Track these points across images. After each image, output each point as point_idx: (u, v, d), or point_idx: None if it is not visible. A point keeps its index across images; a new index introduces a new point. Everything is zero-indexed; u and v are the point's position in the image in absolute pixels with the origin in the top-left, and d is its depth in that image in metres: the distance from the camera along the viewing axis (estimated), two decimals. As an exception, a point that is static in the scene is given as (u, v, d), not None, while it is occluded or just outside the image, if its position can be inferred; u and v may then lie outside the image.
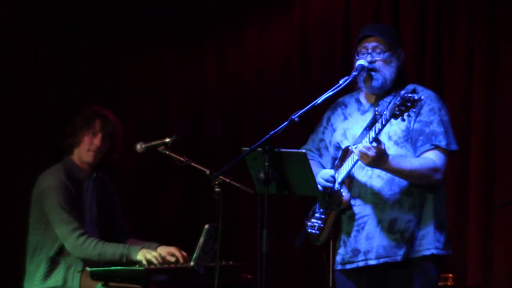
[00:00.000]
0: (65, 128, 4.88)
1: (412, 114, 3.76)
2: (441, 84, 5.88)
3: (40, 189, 4.72)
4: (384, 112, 3.78)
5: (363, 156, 3.79)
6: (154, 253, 4.56)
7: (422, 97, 3.71)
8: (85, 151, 4.78)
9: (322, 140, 4.31)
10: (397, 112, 3.70)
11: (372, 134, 3.82)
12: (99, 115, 4.83)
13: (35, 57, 6.75)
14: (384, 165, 3.85)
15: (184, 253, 4.63)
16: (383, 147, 3.78)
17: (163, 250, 4.65)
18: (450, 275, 5.30)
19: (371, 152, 3.77)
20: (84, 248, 4.60)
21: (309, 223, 4.17)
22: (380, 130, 3.80)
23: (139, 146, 4.74)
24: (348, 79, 4.01)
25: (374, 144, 3.77)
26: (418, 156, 4.00)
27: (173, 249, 4.65)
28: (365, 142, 3.83)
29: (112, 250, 4.59)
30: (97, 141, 4.78)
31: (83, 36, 7.06)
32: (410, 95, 3.66)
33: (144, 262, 4.49)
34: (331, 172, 4.10)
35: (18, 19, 6.65)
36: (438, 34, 5.94)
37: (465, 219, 5.77)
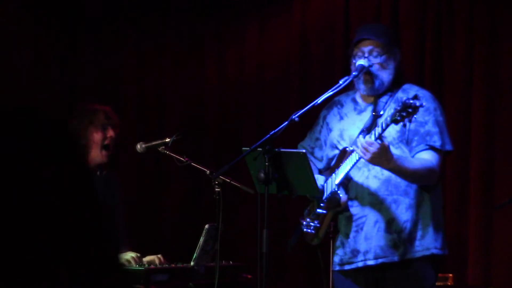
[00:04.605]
0: None
1: (413, 120, 3.73)
2: (441, 84, 5.88)
3: None
4: (381, 113, 3.77)
5: (364, 151, 3.74)
6: (132, 254, 4.51)
7: (424, 104, 3.68)
8: (97, 150, 4.55)
9: (318, 139, 4.29)
10: (398, 118, 3.67)
11: (378, 130, 3.76)
12: (98, 109, 4.62)
13: (35, 57, 6.74)
14: (388, 164, 3.80)
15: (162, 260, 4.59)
16: (386, 143, 3.74)
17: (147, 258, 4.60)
18: (450, 275, 5.29)
19: (373, 148, 3.71)
20: None
21: (304, 222, 4.16)
22: (380, 134, 3.77)
23: (139, 146, 4.71)
24: (348, 79, 4.01)
25: (378, 141, 3.72)
26: (413, 156, 3.99)
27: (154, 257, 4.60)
28: (369, 138, 3.76)
29: None
30: (110, 132, 4.58)
31: (84, 36, 7.06)
32: (411, 101, 3.63)
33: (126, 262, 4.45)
34: (320, 180, 4.09)
35: (18, 19, 6.64)
36: (438, 34, 5.94)
37: (465, 219, 5.77)
